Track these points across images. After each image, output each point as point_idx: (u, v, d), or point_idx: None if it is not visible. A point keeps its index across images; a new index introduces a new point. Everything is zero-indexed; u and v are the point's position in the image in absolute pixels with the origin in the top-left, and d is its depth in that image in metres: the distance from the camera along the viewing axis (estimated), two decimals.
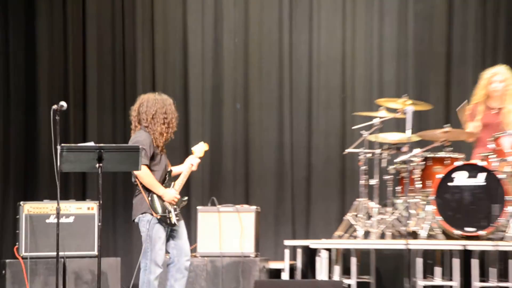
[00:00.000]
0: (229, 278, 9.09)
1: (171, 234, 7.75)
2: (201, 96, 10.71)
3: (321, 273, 9.04)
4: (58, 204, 7.66)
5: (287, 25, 10.65)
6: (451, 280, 8.86)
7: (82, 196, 10.36)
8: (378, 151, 9.36)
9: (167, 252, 7.82)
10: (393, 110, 9.37)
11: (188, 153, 10.34)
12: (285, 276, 9.28)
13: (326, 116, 10.52)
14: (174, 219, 7.70)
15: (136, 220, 7.72)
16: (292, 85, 10.60)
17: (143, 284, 7.65)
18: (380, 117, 9.33)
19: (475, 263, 8.63)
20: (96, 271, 7.86)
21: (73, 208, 9.23)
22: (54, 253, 7.68)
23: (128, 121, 10.34)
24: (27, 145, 10.72)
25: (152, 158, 7.65)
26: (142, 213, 7.65)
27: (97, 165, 7.63)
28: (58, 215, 7.69)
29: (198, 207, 9.55)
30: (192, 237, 9.56)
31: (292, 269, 9.42)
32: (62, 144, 7.53)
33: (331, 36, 10.59)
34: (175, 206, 7.73)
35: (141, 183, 7.61)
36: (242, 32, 10.73)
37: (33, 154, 10.71)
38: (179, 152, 10.47)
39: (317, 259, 9.09)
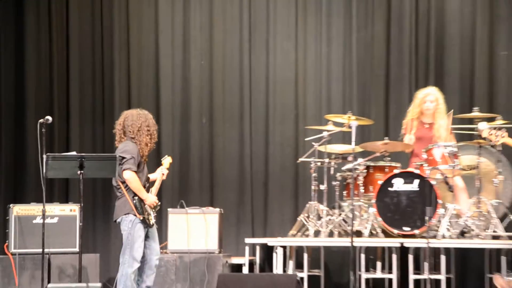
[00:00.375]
0: (196, 272, 9.04)
1: (146, 234, 7.71)
2: (171, 112, 10.66)
3: (277, 267, 9.04)
4: (44, 207, 7.69)
5: (247, 49, 10.62)
6: (390, 273, 8.90)
7: (65, 199, 10.28)
8: (327, 160, 9.36)
9: None
10: (340, 124, 9.38)
11: (159, 163, 10.44)
12: (245, 270, 9.26)
13: (282, 129, 10.51)
14: (152, 221, 7.71)
15: (118, 220, 7.67)
16: (251, 102, 10.58)
17: (121, 276, 7.59)
18: (329, 131, 9.32)
19: (411, 258, 8.68)
20: (77, 266, 7.88)
21: (57, 210, 9.19)
22: (40, 250, 7.75)
23: (107, 132, 10.51)
24: (17, 154, 10.66)
25: (138, 166, 7.63)
26: (125, 214, 7.61)
27: (79, 172, 7.65)
28: (43, 216, 7.72)
29: (168, 209, 9.50)
30: (163, 236, 9.55)
31: (252, 264, 9.39)
32: (48, 154, 7.60)
33: (285, 59, 10.58)
34: (153, 210, 7.73)
35: (125, 187, 7.59)
36: (207, 55, 10.70)
37: (21, 162, 10.66)
38: (151, 162, 10.25)
39: (274, 255, 9.08)
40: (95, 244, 10.42)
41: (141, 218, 7.57)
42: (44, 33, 10.83)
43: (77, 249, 8.72)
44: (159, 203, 7.85)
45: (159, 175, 7.94)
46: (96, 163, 7.80)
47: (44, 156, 7.50)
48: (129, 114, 7.82)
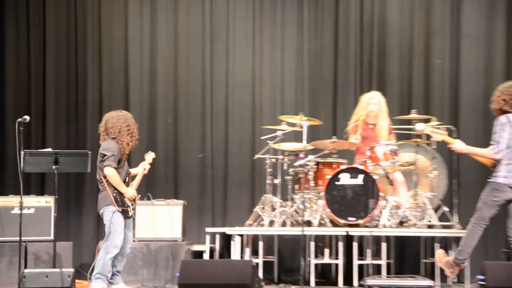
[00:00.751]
0: (161, 258, 8.93)
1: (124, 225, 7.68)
2: (139, 112, 10.43)
3: (235, 254, 8.94)
4: (21, 198, 7.54)
5: (209, 56, 10.50)
6: (337, 259, 8.85)
7: (41, 192, 10.07)
8: (280, 157, 9.27)
9: None
10: (292, 125, 9.28)
11: (129, 161, 10.28)
12: (206, 256, 9.12)
13: (240, 129, 10.41)
14: (131, 212, 7.68)
15: (101, 211, 7.63)
16: (212, 103, 10.46)
17: (100, 260, 7.58)
18: (282, 130, 9.24)
19: (355, 245, 8.63)
20: (52, 252, 7.91)
21: (33, 201, 9.02)
22: (18, 238, 7.63)
23: (80, 131, 10.41)
24: None
25: (118, 162, 7.58)
26: (107, 205, 7.57)
27: (54, 167, 7.69)
28: (21, 207, 7.56)
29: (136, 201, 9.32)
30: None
31: (212, 251, 9.28)
32: (25, 150, 7.60)
33: (243, 66, 10.48)
34: (132, 202, 7.69)
35: (106, 181, 7.55)
36: (172, 61, 10.55)
37: (1, 158, 10.47)
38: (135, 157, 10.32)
39: (232, 243, 8.98)
40: (68, 233, 10.21)
41: (120, 210, 7.55)
42: (22, 41, 10.62)
43: (51, 238, 8.55)
44: (139, 196, 7.84)
45: (141, 169, 7.87)
46: (70, 159, 7.92)
47: (22, 152, 7.50)
48: (110, 117, 7.74)
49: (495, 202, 6.99)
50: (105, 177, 7.54)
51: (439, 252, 7.49)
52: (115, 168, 7.54)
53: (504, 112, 6.98)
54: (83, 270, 9.57)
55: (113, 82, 10.57)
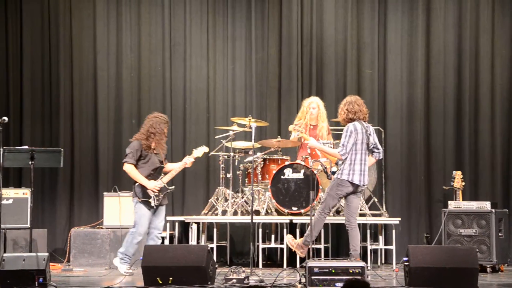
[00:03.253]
0: None
1: (153, 212, 7.74)
2: (106, 114, 10.30)
3: (192, 240, 8.90)
4: (0, 190, 7.35)
5: (168, 65, 10.36)
6: (282, 244, 8.86)
7: (18, 184, 9.82)
8: (232, 154, 9.22)
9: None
10: (242, 126, 9.23)
11: (96, 155, 10.12)
12: (166, 242, 9.02)
13: (196, 129, 10.28)
14: (153, 203, 7.67)
15: (133, 202, 7.76)
16: (172, 106, 10.31)
17: (126, 242, 7.75)
18: (234, 130, 9.18)
19: (298, 232, 8.64)
20: (28, 238, 7.79)
21: (11, 193, 8.85)
22: None
23: (54, 130, 10.24)
24: None
25: (140, 158, 7.65)
26: (133, 198, 7.71)
27: (30, 162, 7.62)
28: (0, 198, 7.39)
29: (104, 193, 9.29)
30: (100, 215, 9.44)
31: (172, 237, 9.24)
32: (4, 147, 7.42)
33: (199, 74, 10.36)
34: (157, 193, 7.63)
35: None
36: (136, 68, 10.38)
37: None
38: (90, 153, 10.20)
39: (190, 230, 8.94)
40: (43, 221, 10.00)
41: (141, 201, 7.59)
42: (1, 50, 10.33)
43: (28, 225, 8.33)
44: (171, 187, 7.87)
45: (181, 164, 7.93)
46: (44, 155, 8.06)
47: (1, 149, 7.32)
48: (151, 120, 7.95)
49: (339, 194, 7.47)
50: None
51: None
52: (132, 163, 7.57)
53: (351, 120, 7.50)
54: (56, 254, 9.52)
55: (83, 87, 10.36)
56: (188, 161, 7.90)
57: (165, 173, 7.89)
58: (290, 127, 8.65)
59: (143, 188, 7.58)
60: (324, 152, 7.95)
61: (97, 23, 10.41)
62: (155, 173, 7.75)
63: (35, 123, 10.28)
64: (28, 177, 7.87)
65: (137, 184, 7.60)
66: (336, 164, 7.68)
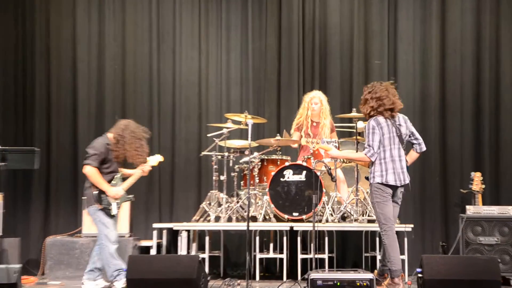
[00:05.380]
0: None
1: None
2: (87, 110, 10.24)
3: (182, 249, 8.80)
4: None
5: (156, 56, 10.31)
6: (281, 253, 8.79)
7: None
8: (226, 154, 9.16)
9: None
10: (238, 123, 9.17)
11: (75, 155, 10.06)
12: (153, 252, 8.93)
13: (186, 127, 10.24)
14: (114, 211, 7.54)
15: (87, 210, 7.57)
16: (160, 102, 10.27)
17: (106, 258, 7.49)
18: (228, 128, 9.12)
19: (299, 240, 8.55)
20: None
21: None
22: None
23: (28, 128, 10.19)
24: None
25: (103, 162, 7.45)
26: (91, 205, 7.47)
27: (1, 163, 7.52)
28: None
29: (83, 198, 8.96)
30: (78, 222, 9.36)
31: (159, 246, 9.14)
32: None
33: (189, 66, 10.32)
34: (117, 201, 7.52)
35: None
36: (120, 60, 10.32)
37: None
38: (69, 154, 10.14)
39: (179, 238, 8.83)
40: (15, 230, 9.88)
41: (101, 208, 7.44)
42: None
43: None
44: (130, 196, 7.78)
45: (139, 171, 7.75)
46: (17, 156, 8.14)
47: None
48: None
49: (385, 197, 7.09)
50: None
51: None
52: (96, 167, 7.38)
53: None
54: (30, 266, 9.40)
55: (61, 80, 10.30)
56: (145, 169, 7.79)
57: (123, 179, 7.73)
58: (303, 140, 8.53)
59: (104, 195, 7.44)
60: (351, 159, 7.74)
61: (77, 10, 10.35)
62: (116, 180, 7.64)
63: (7, 120, 10.18)
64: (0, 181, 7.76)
65: (94, 189, 7.42)
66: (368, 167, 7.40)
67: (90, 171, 7.37)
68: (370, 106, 7.14)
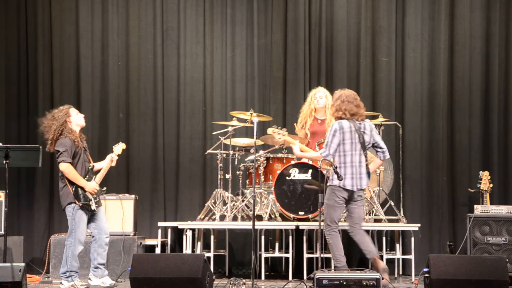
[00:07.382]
0: (113, 252, 8.81)
1: (92, 217, 7.68)
2: (91, 107, 10.29)
3: (187, 248, 8.89)
4: None
5: (160, 53, 10.36)
6: (287, 252, 8.85)
7: None
8: (231, 152, 9.19)
9: (89, 233, 7.88)
10: (243, 120, 9.21)
11: (100, 151, 10.11)
12: (158, 251, 9.02)
13: (191, 124, 10.29)
14: (93, 206, 7.62)
15: (64, 208, 7.61)
16: (164, 99, 10.32)
17: (67, 258, 7.56)
18: (233, 126, 9.16)
19: (305, 239, 8.61)
20: (2, 247, 7.72)
21: None
22: None
23: (31, 126, 10.19)
24: None
25: (74, 157, 7.55)
26: (68, 203, 7.53)
27: (4, 161, 7.59)
28: None
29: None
30: None
31: (164, 245, 9.22)
32: None
33: (194, 62, 10.37)
34: (95, 196, 7.61)
35: (66, 178, 7.50)
36: (124, 56, 10.39)
37: None
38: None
39: (184, 237, 8.92)
40: (19, 228, 10.01)
41: (81, 205, 7.50)
42: None
43: (2, 232, 8.34)
44: (104, 189, 7.85)
45: (107, 161, 7.84)
46: (21, 154, 7.78)
47: None
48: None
49: (338, 202, 7.44)
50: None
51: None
52: (70, 163, 7.45)
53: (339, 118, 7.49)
54: (34, 264, 9.51)
55: (64, 77, 10.37)
56: (114, 158, 7.90)
57: (95, 173, 7.85)
58: (269, 130, 8.34)
59: (82, 191, 7.53)
60: (307, 158, 8.10)
61: (80, 5, 10.40)
62: (90, 174, 7.72)
63: (10, 118, 10.27)
64: (3, 178, 7.82)
65: (71, 186, 7.51)
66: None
67: (66, 168, 7.46)
68: (337, 110, 7.48)
